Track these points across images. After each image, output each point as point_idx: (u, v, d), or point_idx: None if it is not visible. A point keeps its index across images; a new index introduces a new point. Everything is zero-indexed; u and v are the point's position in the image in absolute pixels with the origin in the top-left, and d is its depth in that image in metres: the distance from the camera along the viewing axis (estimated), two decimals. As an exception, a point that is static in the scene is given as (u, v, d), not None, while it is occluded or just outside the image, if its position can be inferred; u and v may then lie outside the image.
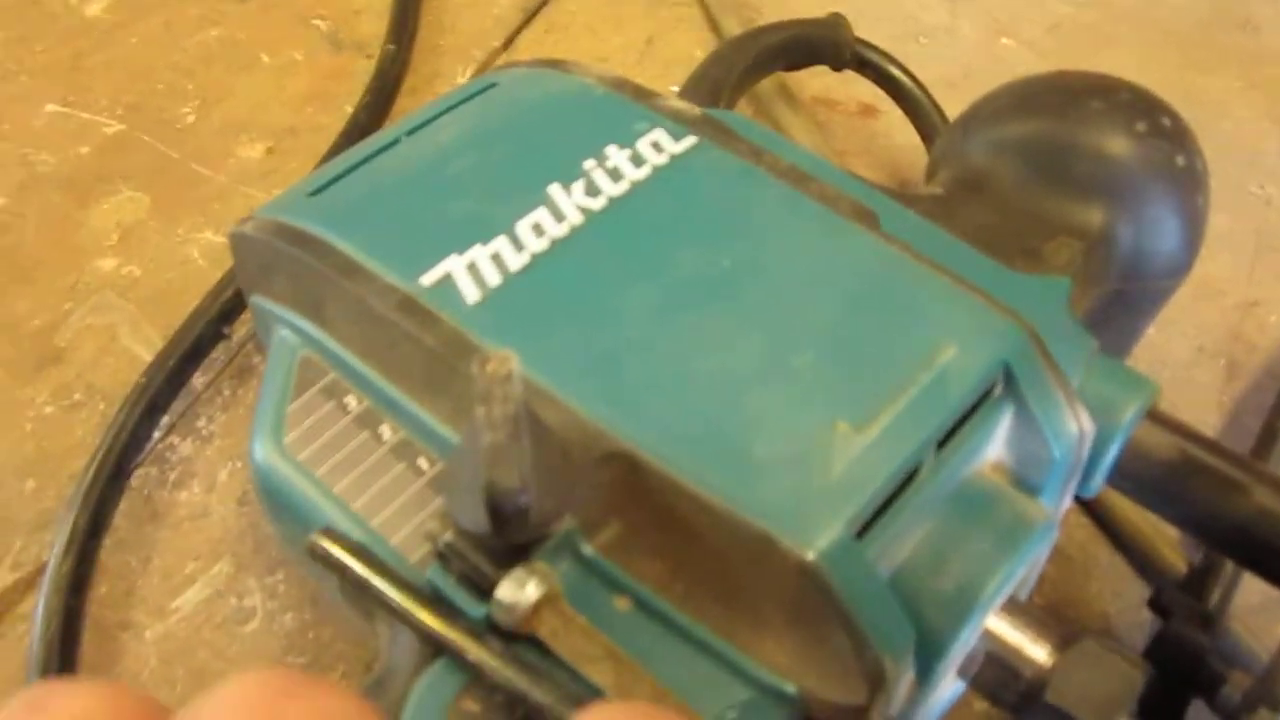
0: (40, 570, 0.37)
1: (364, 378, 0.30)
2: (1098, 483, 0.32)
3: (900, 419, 0.26)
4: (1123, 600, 0.40)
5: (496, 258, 0.30)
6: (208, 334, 0.42)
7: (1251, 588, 0.36)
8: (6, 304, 0.44)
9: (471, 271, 0.29)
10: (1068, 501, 0.31)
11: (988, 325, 0.28)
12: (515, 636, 0.25)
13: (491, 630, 0.25)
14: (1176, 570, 0.39)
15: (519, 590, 0.24)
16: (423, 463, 0.29)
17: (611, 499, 0.26)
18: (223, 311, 0.42)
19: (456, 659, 0.24)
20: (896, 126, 0.54)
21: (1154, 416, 0.32)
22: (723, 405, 0.26)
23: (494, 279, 0.29)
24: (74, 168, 0.49)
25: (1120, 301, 0.37)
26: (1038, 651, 0.28)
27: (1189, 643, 0.34)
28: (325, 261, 0.30)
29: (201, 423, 0.41)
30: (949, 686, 0.30)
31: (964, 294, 0.29)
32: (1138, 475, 0.32)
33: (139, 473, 0.39)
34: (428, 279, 0.29)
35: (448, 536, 0.26)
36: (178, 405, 0.41)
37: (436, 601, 0.25)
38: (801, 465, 0.25)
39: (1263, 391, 0.45)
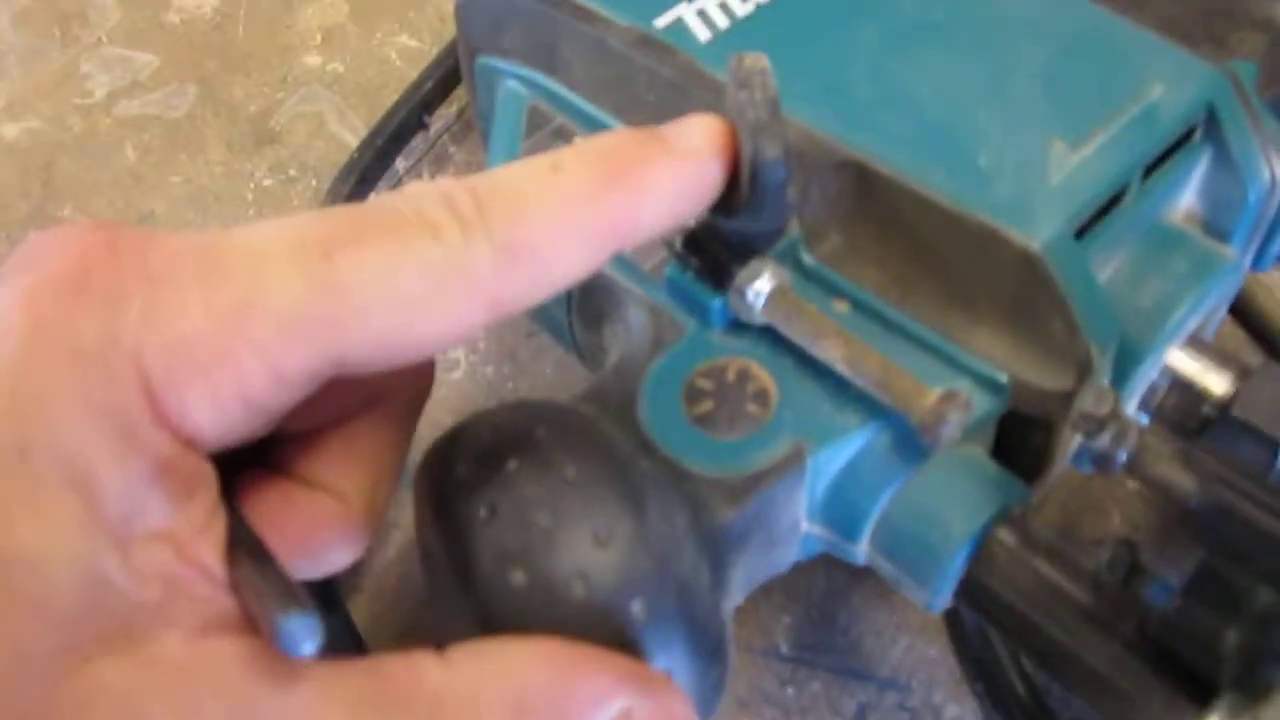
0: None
1: (593, 118, 0.33)
2: (1275, 249, 0.33)
3: (1112, 142, 0.28)
4: None
5: (724, 5, 0.32)
6: (409, 122, 0.45)
7: None
8: (225, 90, 0.48)
9: (701, 16, 0.32)
10: (1249, 260, 0.33)
11: (1193, 69, 0.30)
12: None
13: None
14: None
15: (755, 277, 0.27)
16: (650, 191, 0.32)
17: (839, 207, 0.29)
18: (423, 102, 0.45)
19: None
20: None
21: (1335, 189, 0.33)
22: (947, 122, 0.28)
23: (723, 22, 0.32)
24: (277, -25, 0.53)
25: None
26: (1221, 379, 0.30)
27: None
28: (562, 9, 0.33)
29: (405, 201, 0.44)
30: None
31: (1169, 45, 0.31)
32: (1317, 243, 0.33)
33: (350, 242, 0.43)
34: (661, 21, 0.32)
35: (686, 237, 0.29)
36: (382, 186, 0.44)
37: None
38: (1023, 173, 0.27)
39: None
